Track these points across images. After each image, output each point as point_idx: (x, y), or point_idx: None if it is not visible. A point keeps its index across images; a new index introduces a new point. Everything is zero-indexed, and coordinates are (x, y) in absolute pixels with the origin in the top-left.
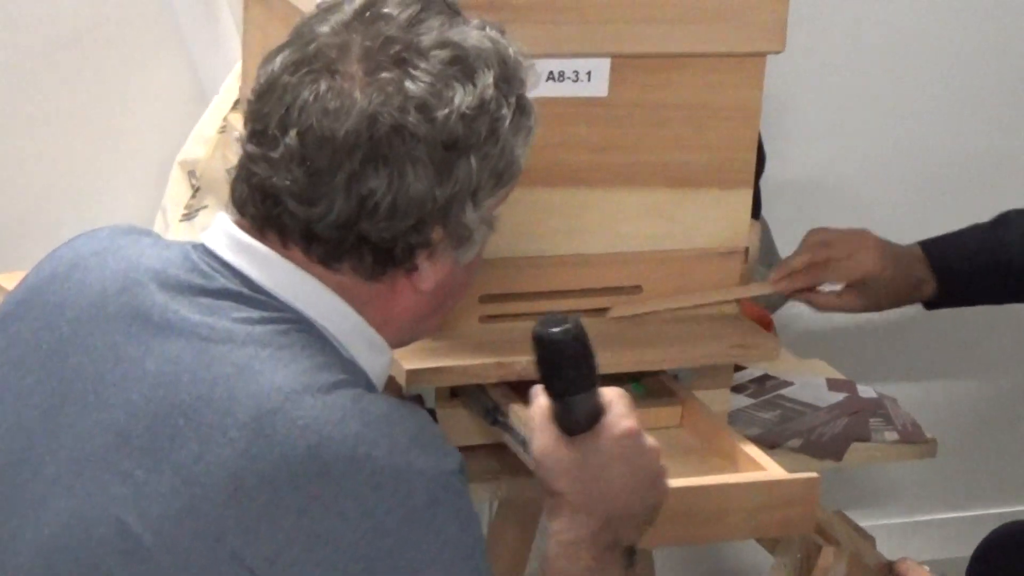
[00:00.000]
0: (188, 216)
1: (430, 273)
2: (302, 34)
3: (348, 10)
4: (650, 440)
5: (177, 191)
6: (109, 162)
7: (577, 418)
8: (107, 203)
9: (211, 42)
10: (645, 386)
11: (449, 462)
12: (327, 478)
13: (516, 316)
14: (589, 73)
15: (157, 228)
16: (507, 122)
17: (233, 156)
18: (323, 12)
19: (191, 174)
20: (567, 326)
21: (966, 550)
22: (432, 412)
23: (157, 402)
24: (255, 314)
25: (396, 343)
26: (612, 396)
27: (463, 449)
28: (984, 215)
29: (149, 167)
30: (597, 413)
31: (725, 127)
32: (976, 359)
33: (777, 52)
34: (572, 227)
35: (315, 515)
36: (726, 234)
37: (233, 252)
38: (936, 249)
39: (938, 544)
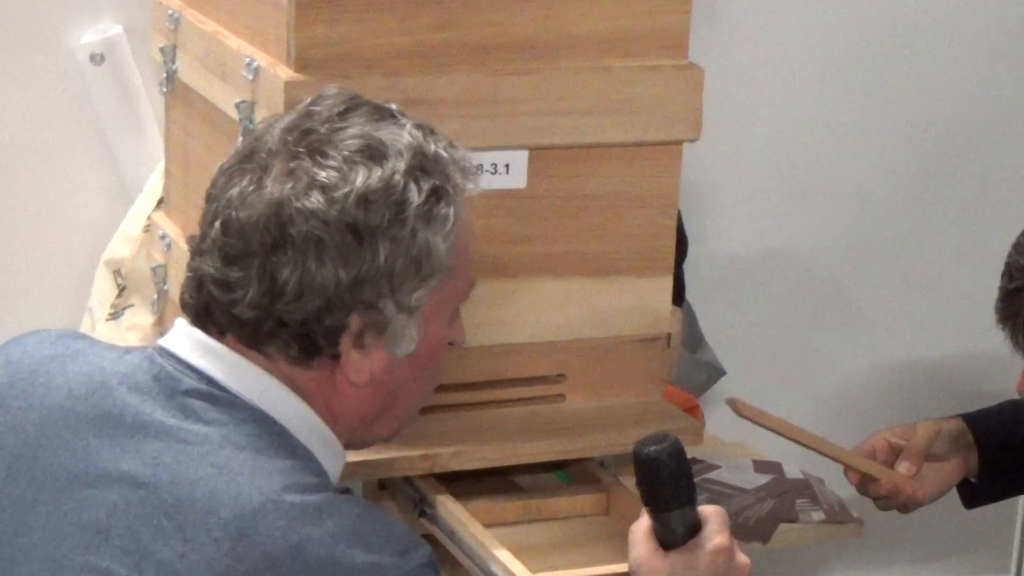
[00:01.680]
0: (115, 315)
1: (363, 365)
2: (250, 139)
3: (289, 117)
4: (741, 557)
5: (103, 290)
6: (33, 261)
7: (673, 532)
8: (32, 302)
9: (133, 141)
10: (568, 475)
11: (419, 556)
12: None
13: (442, 408)
14: (507, 165)
15: (84, 327)
16: (414, 207)
17: (158, 255)
18: (276, 118)
19: (116, 273)
20: (664, 444)
21: None
22: None
23: (138, 502)
24: (226, 416)
25: (347, 443)
26: (709, 513)
27: None
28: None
29: (73, 266)
30: (694, 528)
31: (644, 215)
32: None
33: (692, 140)
34: (495, 318)
35: None
36: (648, 321)
37: (197, 354)
38: (978, 423)
39: None
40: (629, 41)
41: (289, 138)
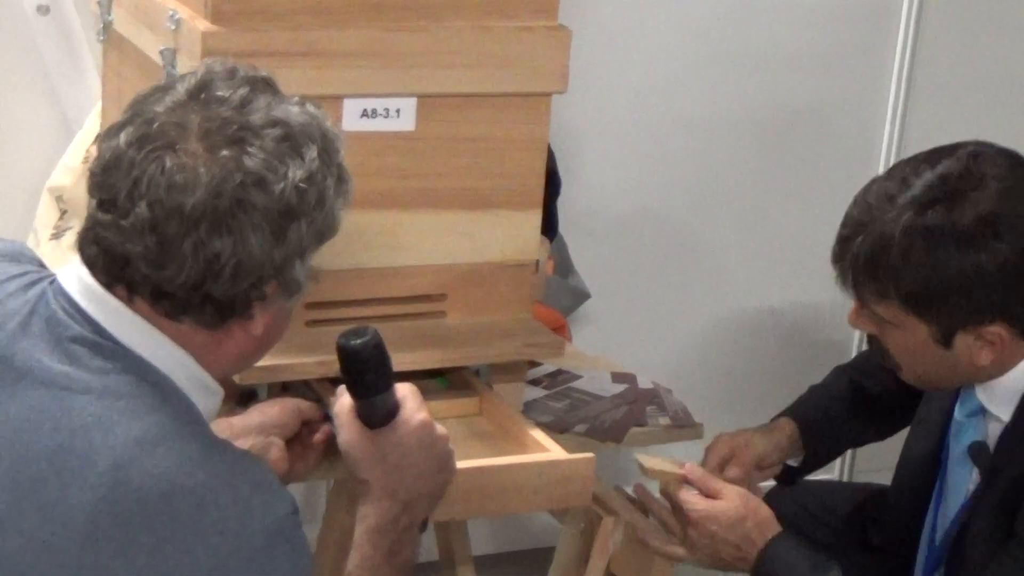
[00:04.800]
0: (56, 235)
1: (260, 320)
2: (141, 111)
3: (181, 90)
4: (440, 428)
5: (46, 214)
6: None
7: (378, 415)
8: None
9: (75, 83)
10: (449, 380)
11: (284, 506)
12: (177, 521)
13: (339, 321)
14: (398, 110)
15: (29, 245)
16: (331, 190)
17: None
18: (158, 91)
19: (59, 199)
20: (367, 338)
21: None
22: None
23: (21, 445)
24: (108, 364)
25: (222, 376)
26: (406, 392)
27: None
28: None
29: (20, 192)
30: (395, 408)
31: (516, 157)
32: (739, 353)
33: (560, 92)
34: (386, 244)
35: (166, 553)
36: (519, 249)
37: (86, 299)
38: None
39: None
40: (506, 4)
41: (207, 125)
